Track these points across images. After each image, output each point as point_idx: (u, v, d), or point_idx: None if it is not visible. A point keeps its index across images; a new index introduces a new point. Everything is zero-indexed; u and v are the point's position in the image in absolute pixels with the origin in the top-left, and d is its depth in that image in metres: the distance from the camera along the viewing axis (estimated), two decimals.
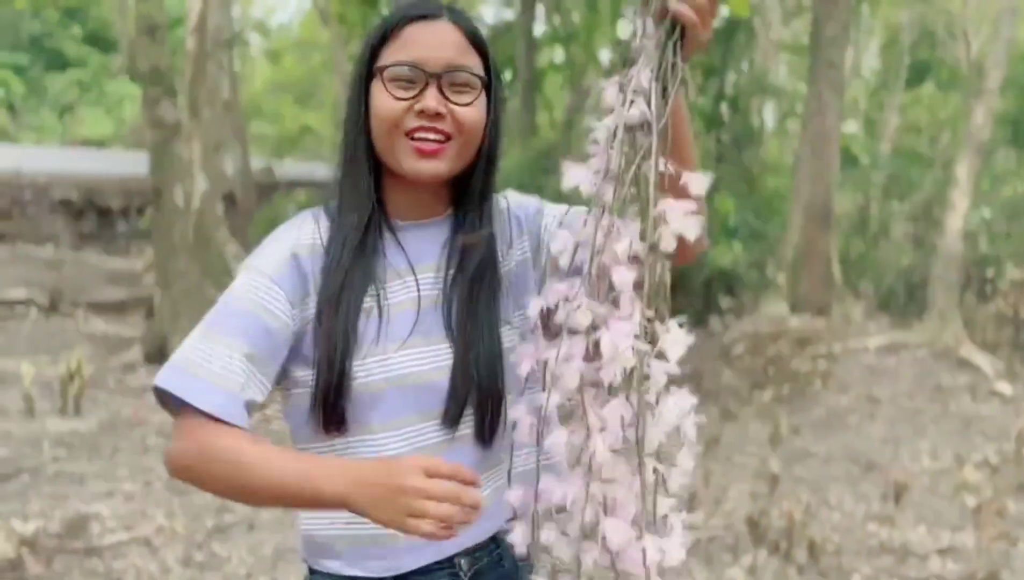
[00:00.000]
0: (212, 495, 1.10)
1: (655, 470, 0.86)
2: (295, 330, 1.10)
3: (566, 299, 0.86)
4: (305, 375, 1.11)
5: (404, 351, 1.10)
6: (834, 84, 7.99)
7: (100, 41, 23.57)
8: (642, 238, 0.84)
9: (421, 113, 1.07)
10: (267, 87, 22.72)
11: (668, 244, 0.85)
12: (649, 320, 0.85)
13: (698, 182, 0.89)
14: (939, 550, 3.71)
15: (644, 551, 0.84)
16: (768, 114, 13.08)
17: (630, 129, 0.87)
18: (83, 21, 23.42)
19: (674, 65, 0.89)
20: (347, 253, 1.10)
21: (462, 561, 1.15)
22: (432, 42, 1.08)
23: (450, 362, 1.11)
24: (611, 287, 0.85)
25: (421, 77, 1.07)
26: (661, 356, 0.85)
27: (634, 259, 0.84)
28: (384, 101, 1.08)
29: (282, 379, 1.13)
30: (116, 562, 3.39)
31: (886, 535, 3.87)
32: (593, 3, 11.60)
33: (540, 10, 12.74)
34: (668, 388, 0.85)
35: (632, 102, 0.86)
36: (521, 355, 0.92)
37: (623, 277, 0.83)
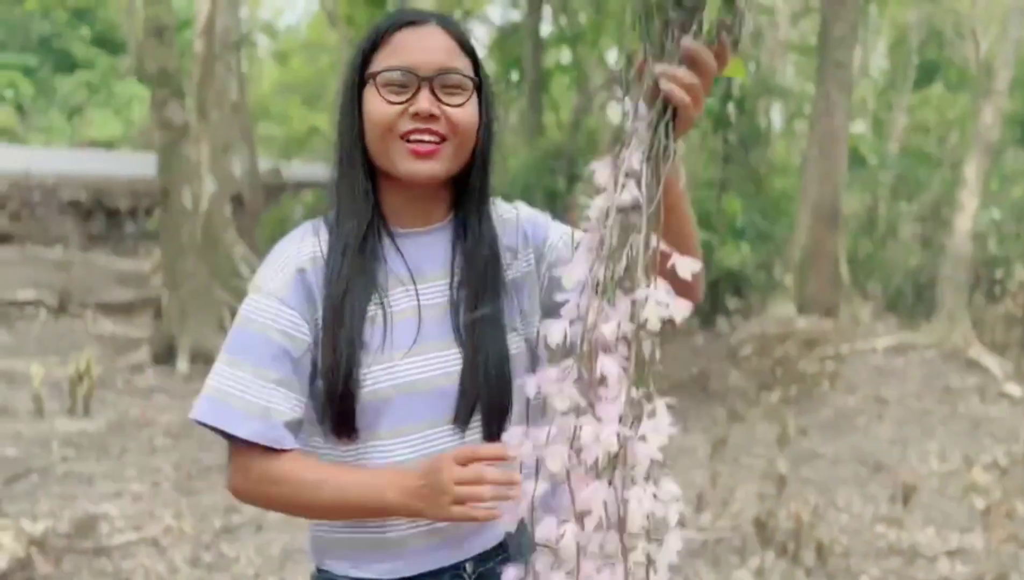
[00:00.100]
0: (269, 510, 1.18)
1: (647, 555, 0.88)
2: (312, 342, 1.12)
3: (557, 383, 0.88)
4: (316, 384, 1.12)
5: (410, 358, 1.10)
6: (842, 84, 7.97)
7: (108, 43, 23.68)
8: (631, 319, 0.86)
9: (415, 116, 1.08)
10: (275, 89, 22.77)
11: (656, 325, 0.86)
12: (636, 400, 0.86)
13: (687, 266, 0.89)
14: (948, 552, 3.70)
15: None
16: (775, 115, 13.06)
17: (623, 210, 0.88)
18: (91, 23, 23.53)
19: (666, 147, 0.90)
20: (348, 261, 1.11)
21: (467, 565, 1.16)
22: (423, 46, 1.10)
23: (457, 368, 1.11)
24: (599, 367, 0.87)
25: (413, 81, 1.09)
26: (645, 439, 0.87)
27: (623, 339, 0.86)
28: (378, 106, 1.09)
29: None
30: (125, 562, 3.41)
31: (894, 537, 3.86)
32: (600, 4, 11.60)
33: (547, 11, 12.75)
34: (655, 477, 0.88)
35: (624, 186, 0.87)
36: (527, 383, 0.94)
37: (608, 364, 0.85)
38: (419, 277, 1.14)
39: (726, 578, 3.43)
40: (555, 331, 0.88)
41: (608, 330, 0.85)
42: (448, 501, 1.00)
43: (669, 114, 0.91)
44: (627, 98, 0.92)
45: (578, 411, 0.86)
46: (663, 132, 0.90)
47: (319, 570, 1.20)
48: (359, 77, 1.12)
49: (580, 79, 12.89)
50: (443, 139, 1.10)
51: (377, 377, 1.09)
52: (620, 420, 0.84)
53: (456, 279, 1.15)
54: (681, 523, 0.90)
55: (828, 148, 7.96)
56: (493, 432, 1.12)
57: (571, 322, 0.88)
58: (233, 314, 5.91)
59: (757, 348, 7.15)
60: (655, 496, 0.86)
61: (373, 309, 1.11)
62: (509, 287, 1.18)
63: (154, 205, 11.09)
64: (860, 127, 14.88)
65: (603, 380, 0.86)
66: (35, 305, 9.03)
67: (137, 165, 14.43)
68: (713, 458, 4.86)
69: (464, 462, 1.00)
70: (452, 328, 1.13)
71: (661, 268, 0.89)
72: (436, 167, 1.10)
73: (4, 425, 5.17)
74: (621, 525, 0.85)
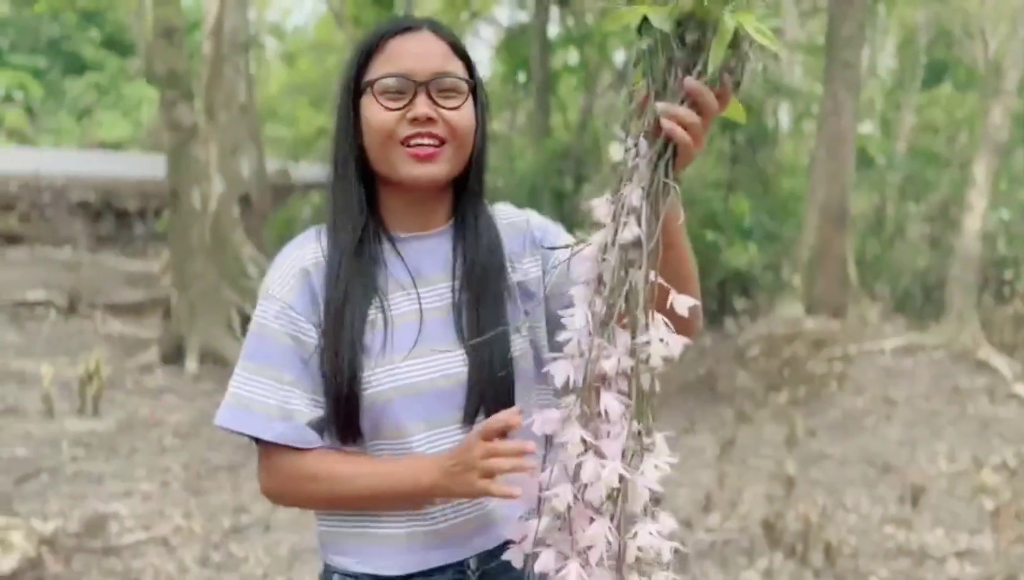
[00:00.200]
0: (300, 507, 1.23)
1: None
2: (317, 344, 1.14)
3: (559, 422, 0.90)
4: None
5: (410, 361, 1.12)
6: (850, 84, 7.95)
7: (117, 45, 23.77)
8: (630, 355, 0.87)
9: (414, 120, 1.10)
10: (282, 90, 22.82)
11: (656, 361, 0.88)
12: (636, 434, 0.88)
13: (685, 303, 0.91)
14: (957, 553, 3.69)
15: None
16: (783, 115, 13.03)
17: (621, 247, 0.89)
18: (101, 25, 23.62)
19: (666, 185, 0.91)
20: (345, 266, 1.13)
21: (471, 562, 1.17)
22: (417, 52, 1.12)
23: (458, 370, 1.13)
24: (598, 401, 0.89)
25: (410, 86, 1.11)
26: (643, 473, 0.88)
27: (623, 374, 0.88)
28: (376, 113, 1.11)
29: None
30: (134, 561, 3.42)
31: (903, 538, 3.85)
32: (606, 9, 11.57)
33: (554, 12, 12.75)
34: (652, 513, 0.89)
35: (625, 223, 0.89)
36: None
37: (610, 401, 0.87)
38: (420, 280, 1.16)
39: (734, 579, 3.43)
40: (560, 371, 0.90)
41: (609, 366, 0.87)
42: (476, 476, 1.01)
43: (670, 152, 0.92)
44: (628, 135, 0.93)
45: (577, 450, 0.88)
46: (663, 170, 0.91)
47: (326, 565, 1.22)
48: (355, 85, 1.14)
49: (587, 80, 12.88)
50: (442, 142, 1.12)
51: (379, 380, 1.11)
52: (622, 456, 0.86)
53: (458, 281, 1.16)
54: (673, 556, 0.91)
55: (836, 148, 7.94)
56: None
57: (572, 358, 0.90)
58: (241, 314, 5.91)
59: (765, 349, 7.14)
60: (652, 532, 0.88)
61: (373, 313, 1.13)
62: (513, 289, 1.19)
63: (163, 206, 11.12)
64: (868, 127, 14.83)
65: (604, 415, 0.87)
66: (45, 305, 9.07)
67: (146, 166, 14.49)
68: (721, 459, 4.86)
69: (488, 437, 1.02)
70: (455, 330, 1.14)
71: (660, 305, 0.90)
72: (437, 170, 1.12)
73: (14, 425, 5.20)
74: (620, 560, 0.86)
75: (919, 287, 10.16)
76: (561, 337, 0.92)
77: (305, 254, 1.15)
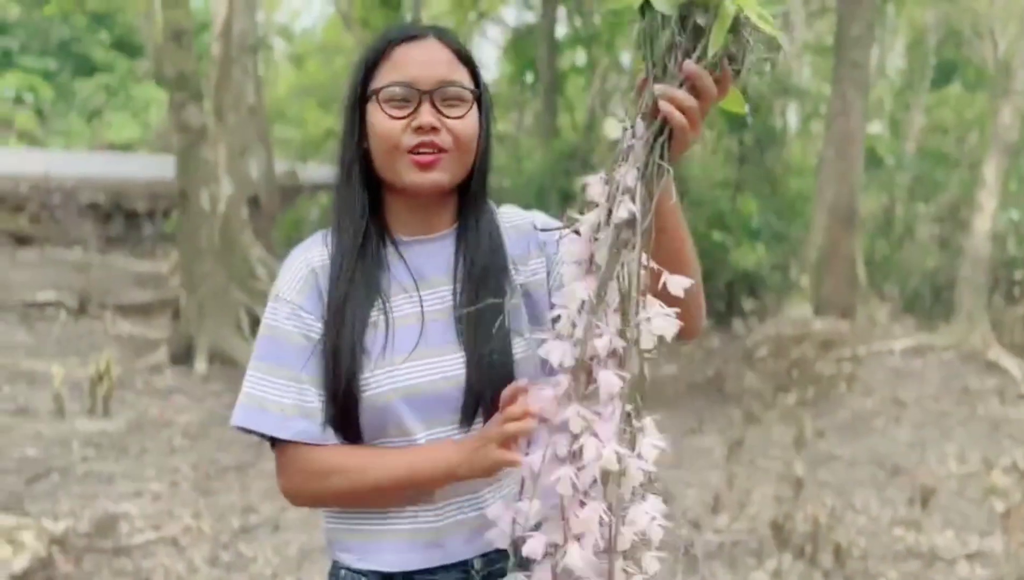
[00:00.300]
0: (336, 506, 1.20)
1: (625, 571, 0.88)
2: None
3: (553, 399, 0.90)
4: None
5: (411, 362, 1.13)
6: (859, 84, 7.93)
7: (127, 46, 23.87)
8: (622, 335, 0.86)
9: (418, 129, 1.11)
10: (291, 91, 22.88)
11: (648, 341, 0.87)
12: (628, 415, 0.87)
13: (678, 284, 0.90)
14: (967, 555, 3.67)
15: None
16: (791, 115, 13.00)
17: (615, 226, 0.89)
18: (110, 27, 23.72)
19: (660, 166, 0.91)
20: (348, 268, 1.15)
21: (475, 562, 1.17)
22: (422, 60, 1.13)
23: (458, 372, 1.14)
24: (590, 381, 0.88)
25: (415, 95, 1.12)
26: (639, 454, 0.87)
27: (614, 354, 0.87)
28: (382, 121, 1.13)
29: None
30: (145, 561, 3.44)
31: (913, 540, 3.84)
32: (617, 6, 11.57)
33: (562, 12, 12.74)
34: (643, 493, 0.88)
35: (620, 202, 0.88)
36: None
37: (608, 380, 0.85)
38: (423, 283, 1.17)
39: None
40: (555, 351, 0.90)
41: (601, 346, 0.86)
42: (494, 447, 1.02)
43: (666, 135, 0.92)
44: (626, 115, 0.93)
45: (578, 429, 0.87)
46: (659, 151, 0.91)
47: (334, 562, 1.23)
48: (361, 91, 1.16)
49: (595, 80, 12.88)
50: (445, 150, 1.13)
51: (379, 381, 1.12)
52: (616, 438, 0.85)
53: (459, 284, 1.17)
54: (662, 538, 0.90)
55: (844, 149, 7.92)
56: None
57: (563, 338, 0.89)
58: (250, 315, 5.92)
59: (773, 349, 7.12)
60: (646, 513, 0.87)
61: (375, 315, 1.14)
62: (516, 292, 1.20)
63: (172, 207, 11.17)
64: (877, 127, 14.79)
65: (594, 396, 0.86)
66: (55, 306, 9.11)
67: (155, 167, 14.54)
68: (729, 460, 4.85)
69: (501, 408, 1.03)
70: (455, 332, 1.15)
71: (656, 290, 0.89)
72: (439, 177, 1.13)
73: (25, 425, 5.23)
74: (612, 544, 0.85)
75: (928, 288, 10.13)
76: (552, 315, 0.92)
77: (312, 256, 1.17)
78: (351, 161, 1.17)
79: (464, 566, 1.17)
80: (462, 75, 1.15)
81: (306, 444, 1.12)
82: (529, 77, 13.93)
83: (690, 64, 0.91)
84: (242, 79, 9.77)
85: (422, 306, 1.16)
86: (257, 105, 11.36)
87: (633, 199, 0.88)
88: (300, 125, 20.53)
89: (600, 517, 0.85)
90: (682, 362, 7.48)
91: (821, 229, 8.03)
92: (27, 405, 5.67)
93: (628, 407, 0.87)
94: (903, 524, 4.02)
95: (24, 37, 23.34)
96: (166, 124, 16.19)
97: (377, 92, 1.13)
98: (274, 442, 1.14)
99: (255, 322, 7.26)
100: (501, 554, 1.16)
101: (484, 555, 1.17)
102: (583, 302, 0.89)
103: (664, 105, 0.91)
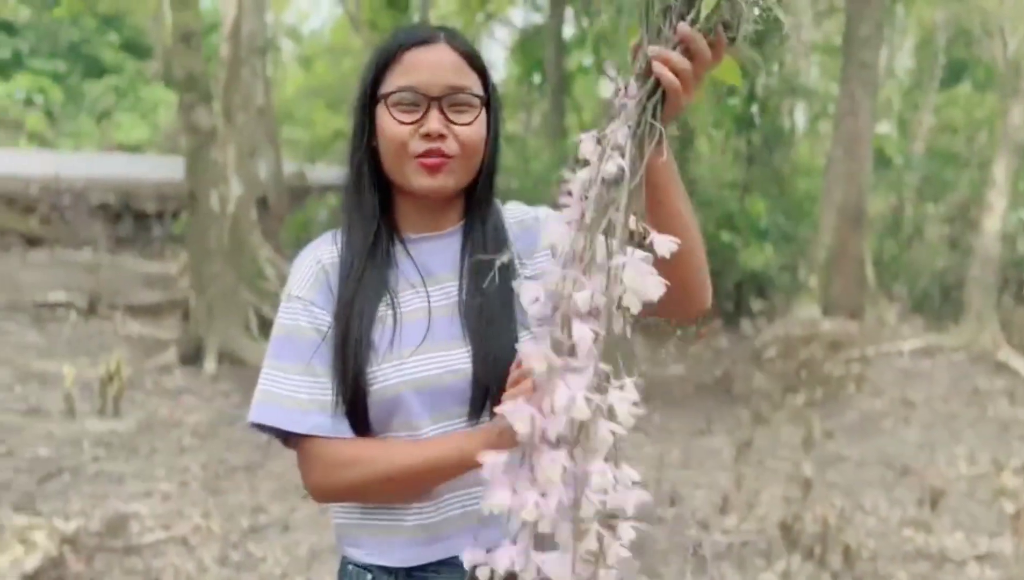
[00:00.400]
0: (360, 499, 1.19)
1: (598, 535, 0.83)
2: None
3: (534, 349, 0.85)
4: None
5: (418, 356, 1.14)
6: (867, 84, 7.92)
7: (136, 48, 23.99)
8: (604, 292, 0.85)
9: (426, 136, 1.13)
10: (299, 92, 22.95)
11: (632, 302, 0.84)
12: (607, 375, 0.83)
13: (665, 244, 0.88)
14: (976, 556, 3.66)
15: None
16: (799, 115, 12.97)
17: (605, 183, 0.88)
18: (119, 29, 23.83)
19: (652, 126, 0.90)
20: (357, 267, 1.17)
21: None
22: (431, 66, 1.14)
23: (464, 365, 1.15)
24: (571, 336, 0.84)
25: (423, 101, 1.13)
26: (612, 416, 0.82)
27: (595, 311, 0.84)
28: (390, 126, 1.14)
29: None
30: (155, 561, 3.46)
31: (922, 541, 3.83)
32: (623, 6, 11.57)
33: (569, 13, 12.75)
34: (615, 460, 0.83)
35: (609, 158, 0.87)
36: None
37: (582, 331, 0.82)
38: (430, 279, 1.19)
39: None
40: (529, 291, 0.87)
41: (581, 299, 0.83)
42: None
43: (659, 95, 0.92)
44: (619, 74, 0.93)
45: (551, 375, 0.82)
46: (651, 111, 0.91)
47: (343, 557, 1.24)
48: (371, 94, 1.17)
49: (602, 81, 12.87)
50: (451, 157, 1.15)
51: (386, 375, 1.13)
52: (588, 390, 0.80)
53: (464, 279, 1.19)
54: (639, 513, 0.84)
55: (853, 148, 7.90)
56: None
57: (547, 291, 0.86)
58: (259, 315, 5.91)
59: (782, 350, 7.11)
60: (614, 478, 0.81)
61: (383, 310, 1.16)
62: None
63: (181, 208, 11.21)
64: (885, 127, 14.74)
65: (572, 350, 0.83)
66: (65, 307, 9.15)
67: (164, 168, 14.59)
68: (738, 461, 4.85)
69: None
70: (461, 327, 1.16)
71: (658, 261, 0.87)
72: (445, 181, 1.15)
73: (37, 425, 5.26)
74: (576, 504, 0.80)
75: (938, 288, 10.09)
76: (537, 268, 0.90)
77: (322, 254, 1.19)
78: (360, 161, 1.18)
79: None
80: (471, 80, 1.16)
81: (323, 437, 1.13)
82: (537, 78, 13.94)
83: (684, 26, 0.92)
84: (251, 80, 9.80)
85: (429, 301, 1.17)
86: (266, 106, 11.41)
87: (623, 156, 0.88)
88: (308, 126, 20.59)
89: (564, 468, 0.79)
90: (690, 362, 7.47)
91: (829, 229, 8.01)
92: (39, 405, 5.70)
93: (607, 367, 0.83)
94: (912, 525, 4.01)
95: (34, 39, 23.47)
96: (175, 125, 16.25)
97: (386, 96, 1.14)
98: (289, 440, 1.15)
99: (264, 323, 7.29)
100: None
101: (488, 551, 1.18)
102: (565, 256, 0.87)
103: (657, 66, 0.91)
